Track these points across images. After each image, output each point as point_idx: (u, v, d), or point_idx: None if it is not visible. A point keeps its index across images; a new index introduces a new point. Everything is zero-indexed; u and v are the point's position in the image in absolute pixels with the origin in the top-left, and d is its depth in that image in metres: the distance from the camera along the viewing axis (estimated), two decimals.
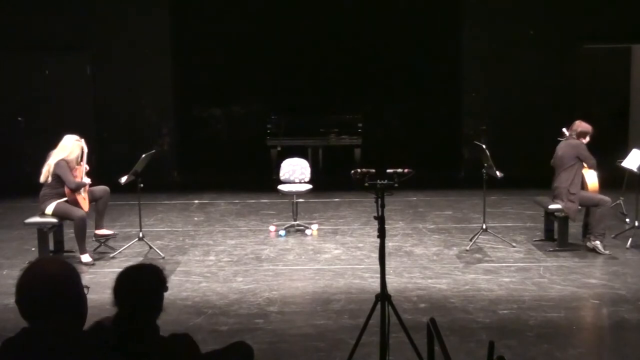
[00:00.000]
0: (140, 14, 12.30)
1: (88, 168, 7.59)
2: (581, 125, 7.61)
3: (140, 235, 7.72)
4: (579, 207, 7.53)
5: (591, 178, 7.59)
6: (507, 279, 6.71)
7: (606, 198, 7.54)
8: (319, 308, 6.02)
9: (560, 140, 7.71)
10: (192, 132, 13.31)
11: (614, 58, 12.92)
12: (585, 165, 7.52)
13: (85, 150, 7.51)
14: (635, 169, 8.02)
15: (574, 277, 6.76)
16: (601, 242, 7.49)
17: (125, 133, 12.36)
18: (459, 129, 12.79)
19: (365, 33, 12.81)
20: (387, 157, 11.58)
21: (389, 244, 7.46)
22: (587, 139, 7.59)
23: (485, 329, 5.46)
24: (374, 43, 12.86)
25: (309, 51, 12.84)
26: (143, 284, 2.92)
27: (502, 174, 7.57)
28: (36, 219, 7.30)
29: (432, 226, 8.94)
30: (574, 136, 7.56)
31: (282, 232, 8.57)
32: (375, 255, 6.59)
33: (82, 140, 7.48)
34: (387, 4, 12.82)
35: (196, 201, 10.67)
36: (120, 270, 3.00)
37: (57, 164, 7.22)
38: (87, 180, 7.46)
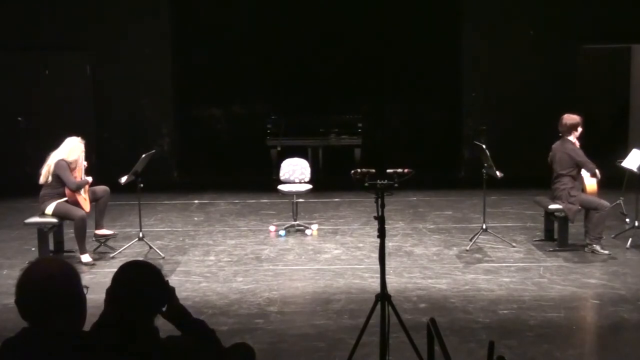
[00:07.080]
0: (140, 13, 12.30)
1: (86, 164, 7.58)
2: (569, 119, 7.54)
3: (140, 235, 7.71)
4: (579, 208, 7.52)
5: (590, 180, 7.57)
6: (507, 279, 6.71)
7: (605, 202, 7.49)
8: (319, 308, 6.02)
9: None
10: (192, 132, 13.31)
11: (614, 58, 12.92)
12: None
13: (83, 150, 7.51)
14: (635, 169, 8.00)
15: (574, 277, 6.76)
16: (598, 244, 7.47)
17: (125, 133, 12.36)
18: (459, 129, 12.78)
19: (366, 33, 12.81)
20: (387, 157, 11.64)
21: (389, 244, 7.46)
22: (579, 130, 7.52)
23: (485, 329, 5.46)
24: (374, 43, 12.86)
25: (309, 51, 12.83)
26: (143, 282, 2.90)
27: (502, 174, 7.56)
28: (36, 219, 7.30)
29: (432, 226, 8.93)
30: (566, 133, 7.51)
31: (282, 232, 8.57)
32: (375, 255, 6.58)
33: (83, 142, 7.48)
34: (388, 4, 12.82)
35: (196, 201, 10.67)
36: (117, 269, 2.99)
37: (57, 164, 7.21)
38: (89, 179, 7.46)
